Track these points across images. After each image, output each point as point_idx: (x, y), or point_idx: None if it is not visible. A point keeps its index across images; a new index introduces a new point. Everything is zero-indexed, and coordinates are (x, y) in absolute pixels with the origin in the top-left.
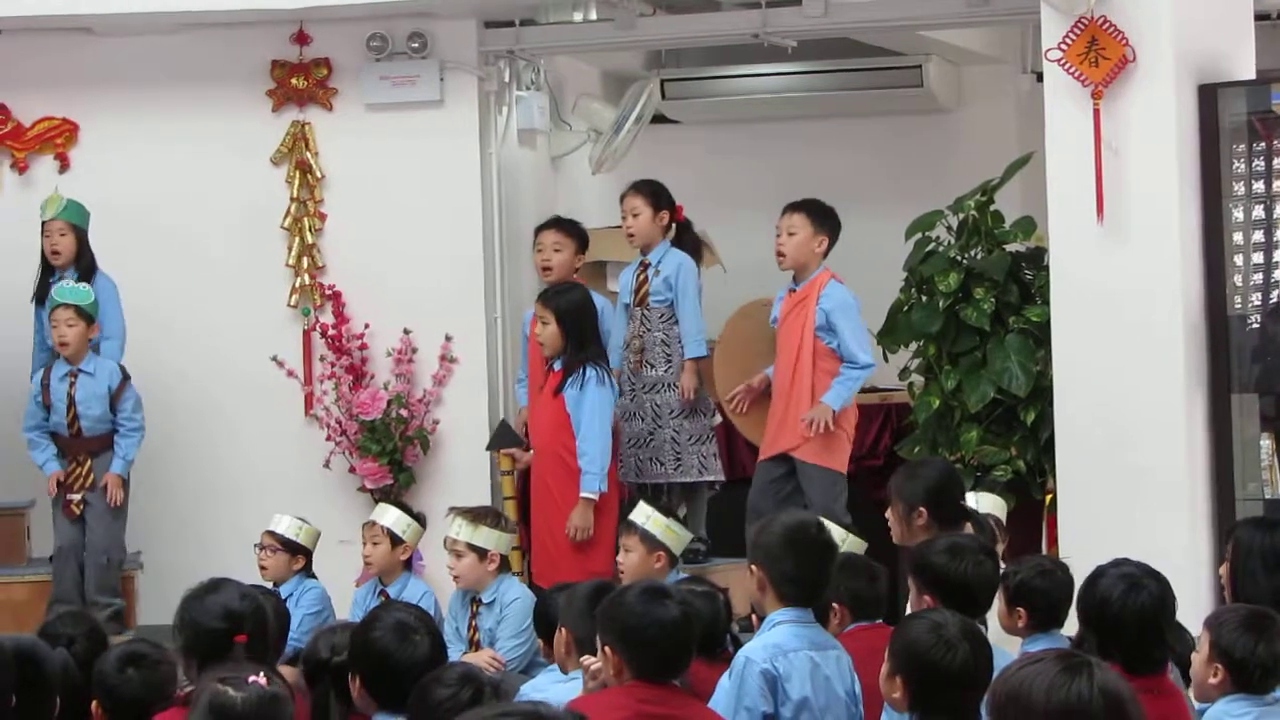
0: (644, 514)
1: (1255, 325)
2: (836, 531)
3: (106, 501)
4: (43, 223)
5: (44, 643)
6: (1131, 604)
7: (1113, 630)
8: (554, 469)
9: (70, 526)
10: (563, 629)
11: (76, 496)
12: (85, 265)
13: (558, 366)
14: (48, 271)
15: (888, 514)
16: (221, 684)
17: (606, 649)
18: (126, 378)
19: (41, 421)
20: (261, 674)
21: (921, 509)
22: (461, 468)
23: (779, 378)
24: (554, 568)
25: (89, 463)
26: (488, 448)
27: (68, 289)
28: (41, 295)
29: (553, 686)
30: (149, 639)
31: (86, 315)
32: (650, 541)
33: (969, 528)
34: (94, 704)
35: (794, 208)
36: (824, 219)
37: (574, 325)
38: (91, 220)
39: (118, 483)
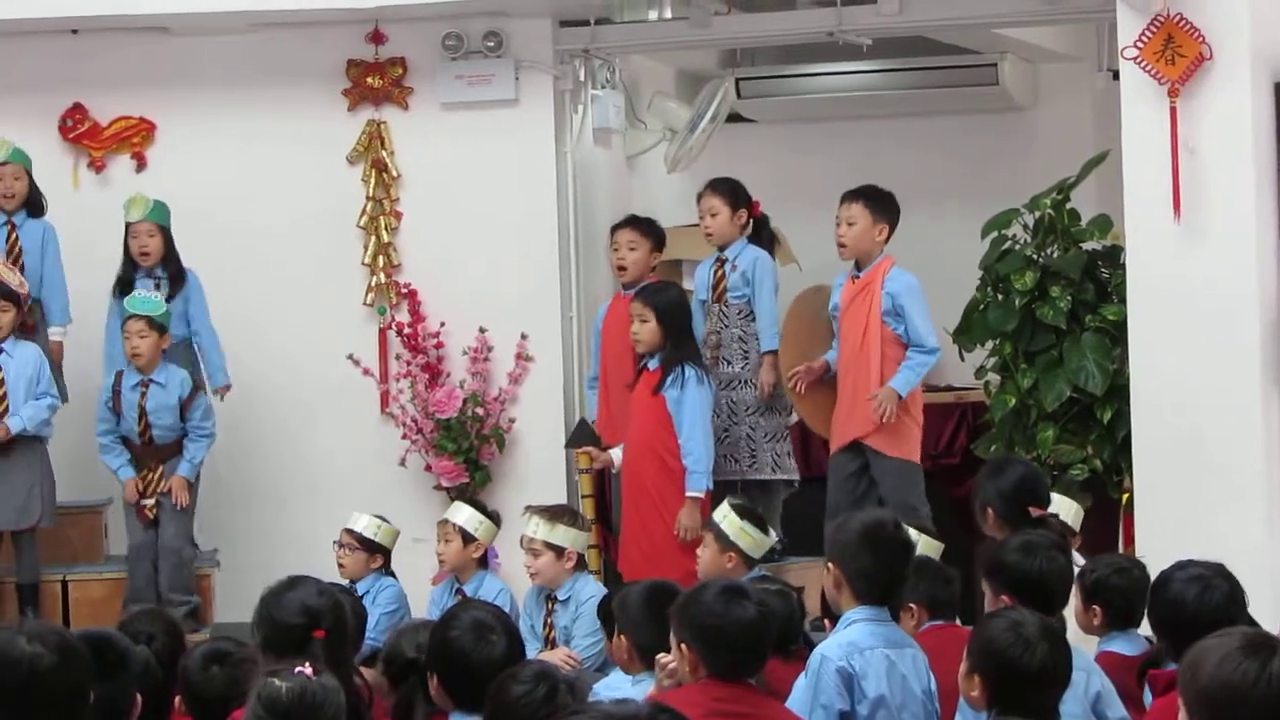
0: (722, 513)
1: None
2: (911, 532)
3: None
4: (128, 223)
5: (122, 634)
6: (1207, 605)
7: (1189, 632)
8: (651, 468)
9: (143, 529)
10: (621, 635)
11: (150, 502)
12: (174, 266)
13: (653, 365)
14: (131, 268)
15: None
16: (269, 676)
17: (682, 646)
18: (198, 386)
19: (113, 426)
20: (309, 665)
21: (989, 509)
22: (537, 466)
23: (843, 366)
24: (651, 567)
25: (160, 469)
26: (567, 445)
27: (139, 300)
28: (124, 290)
29: (626, 684)
30: (231, 636)
31: (159, 326)
32: (723, 540)
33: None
34: (176, 701)
35: (851, 197)
36: (882, 206)
37: (673, 323)
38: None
39: (184, 485)
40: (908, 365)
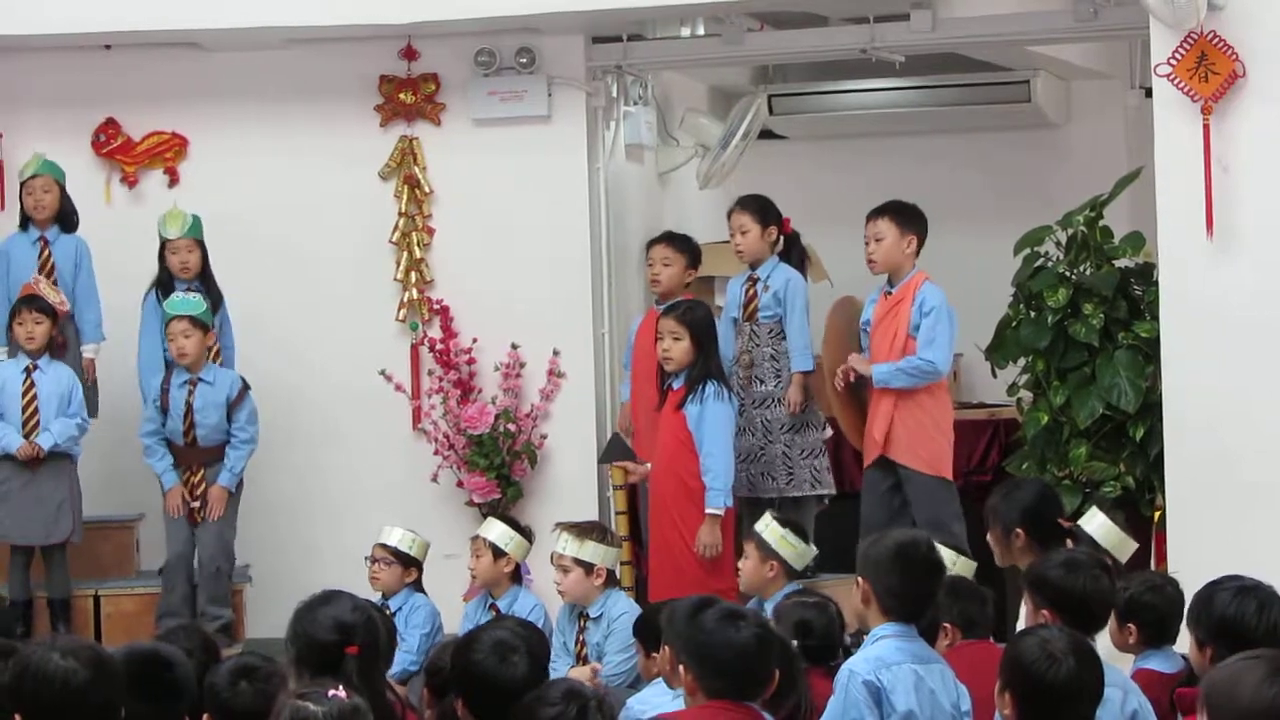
0: (764, 522)
1: None
2: (947, 553)
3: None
4: (166, 239)
5: (176, 651)
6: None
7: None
8: (673, 488)
9: (184, 537)
10: (666, 647)
11: (195, 504)
12: (211, 283)
13: (678, 384)
14: (168, 279)
15: (989, 537)
16: (301, 700)
17: (681, 666)
18: (246, 388)
19: (159, 427)
20: (341, 689)
21: (1019, 531)
22: (569, 482)
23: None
24: (675, 585)
25: (202, 472)
26: (601, 461)
27: (179, 301)
28: (165, 291)
29: (667, 697)
30: (258, 651)
31: (202, 324)
32: (765, 549)
33: (1069, 544)
34: (205, 718)
35: (877, 212)
36: (909, 219)
37: (705, 342)
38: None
39: (221, 496)
40: (900, 365)
